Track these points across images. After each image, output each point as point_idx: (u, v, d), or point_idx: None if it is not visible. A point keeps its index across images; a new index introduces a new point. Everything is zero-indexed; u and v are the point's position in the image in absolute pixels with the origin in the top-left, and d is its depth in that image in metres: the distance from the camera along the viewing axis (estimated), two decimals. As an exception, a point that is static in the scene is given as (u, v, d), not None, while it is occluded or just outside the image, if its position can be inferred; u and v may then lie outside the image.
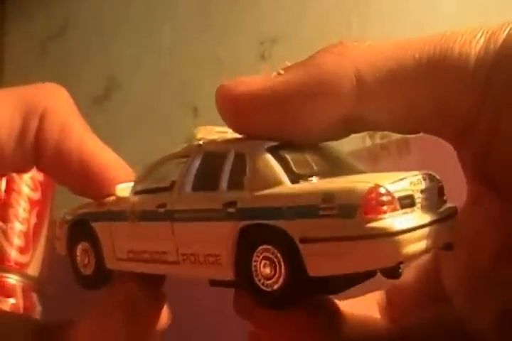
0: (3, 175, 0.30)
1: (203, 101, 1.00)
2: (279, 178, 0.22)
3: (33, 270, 0.57)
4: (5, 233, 0.55)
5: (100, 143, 0.27)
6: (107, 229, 0.27)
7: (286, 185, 0.22)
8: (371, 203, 0.20)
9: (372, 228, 0.20)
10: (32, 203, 0.57)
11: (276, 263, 0.22)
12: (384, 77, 0.21)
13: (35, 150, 0.26)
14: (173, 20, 1.08)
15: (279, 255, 0.22)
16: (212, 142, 0.25)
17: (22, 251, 0.56)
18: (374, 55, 0.22)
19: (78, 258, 0.28)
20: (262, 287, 0.22)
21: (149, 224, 0.25)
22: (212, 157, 0.25)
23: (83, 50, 1.12)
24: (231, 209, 0.23)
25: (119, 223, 0.27)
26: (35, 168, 0.27)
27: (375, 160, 0.73)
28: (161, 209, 0.25)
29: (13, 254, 0.55)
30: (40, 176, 0.57)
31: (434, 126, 0.23)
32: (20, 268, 0.55)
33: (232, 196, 0.23)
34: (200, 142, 0.25)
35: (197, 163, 0.25)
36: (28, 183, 0.56)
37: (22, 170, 0.28)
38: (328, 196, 0.20)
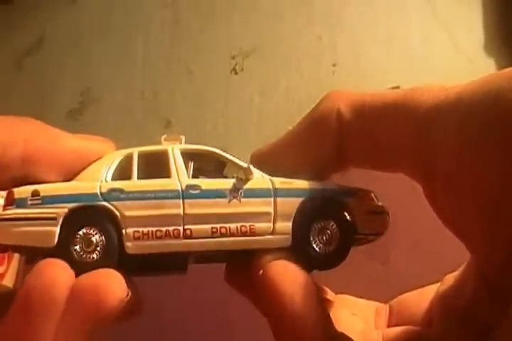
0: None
1: (176, 114, 1.02)
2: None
3: (8, 281, 0.58)
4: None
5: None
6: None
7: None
8: None
9: None
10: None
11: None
12: (359, 115, 0.26)
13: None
14: (146, 35, 1.09)
15: None
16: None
17: (-1, 262, 0.57)
18: (354, 97, 0.27)
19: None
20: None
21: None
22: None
23: (59, 64, 1.13)
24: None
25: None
26: None
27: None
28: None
29: (-10, 266, 0.56)
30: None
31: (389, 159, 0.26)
32: (-4, 279, 0.56)
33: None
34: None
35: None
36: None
37: None
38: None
